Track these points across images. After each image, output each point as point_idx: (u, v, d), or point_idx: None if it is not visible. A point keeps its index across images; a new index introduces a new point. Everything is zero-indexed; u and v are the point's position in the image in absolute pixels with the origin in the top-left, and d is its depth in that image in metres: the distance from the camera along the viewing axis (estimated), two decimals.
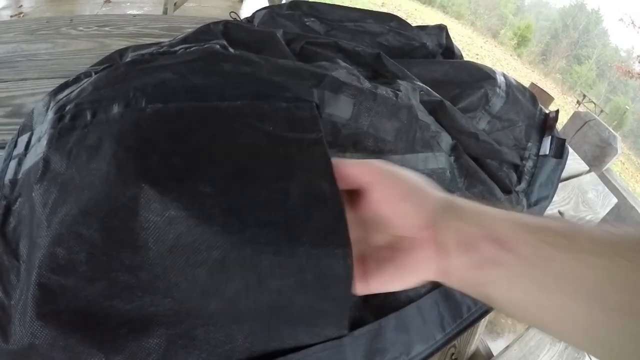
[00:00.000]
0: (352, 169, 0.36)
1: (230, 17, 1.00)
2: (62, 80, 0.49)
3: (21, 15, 3.25)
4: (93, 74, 0.47)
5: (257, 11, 0.93)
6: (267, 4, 3.60)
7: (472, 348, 1.12)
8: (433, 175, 0.55)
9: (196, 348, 0.33)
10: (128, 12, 3.54)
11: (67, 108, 0.39)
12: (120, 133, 0.35)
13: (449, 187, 0.56)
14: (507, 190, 0.69)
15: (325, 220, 0.35)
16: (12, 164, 0.40)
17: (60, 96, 0.43)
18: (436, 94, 0.63)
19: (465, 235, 0.32)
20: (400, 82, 0.58)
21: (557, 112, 0.89)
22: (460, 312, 0.49)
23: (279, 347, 0.35)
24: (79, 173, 0.34)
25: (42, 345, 0.30)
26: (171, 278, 0.32)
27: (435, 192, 0.36)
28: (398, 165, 0.37)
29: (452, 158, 0.60)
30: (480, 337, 1.15)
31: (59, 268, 0.31)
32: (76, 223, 0.31)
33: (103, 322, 0.31)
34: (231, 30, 0.63)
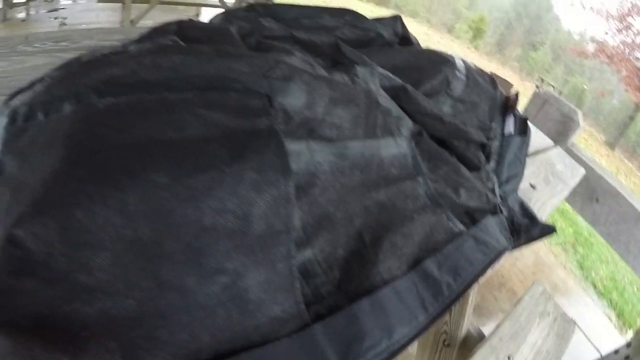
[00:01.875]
0: None
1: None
2: None
3: None
4: (46, 78, 0.47)
5: (215, 16, 0.92)
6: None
7: (463, 332, 1.12)
8: (394, 161, 0.55)
9: (160, 349, 0.32)
10: None
11: (19, 111, 0.38)
12: (72, 130, 0.35)
13: (412, 172, 0.56)
14: (475, 168, 0.69)
15: (276, 205, 0.37)
16: None
17: (13, 102, 0.42)
18: (398, 79, 0.63)
19: None
20: (358, 67, 0.57)
21: (517, 93, 0.91)
22: (440, 290, 0.48)
23: (246, 343, 0.35)
24: (31, 173, 0.33)
25: (2, 355, 0.28)
26: (131, 277, 0.31)
27: None
28: (359, 151, 0.39)
29: (414, 143, 0.60)
30: (471, 320, 1.15)
31: (15, 271, 0.30)
32: (32, 222, 0.30)
33: (64, 326, 0.30)
34: (185, 28, 0.62)
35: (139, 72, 0.41)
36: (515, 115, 0.86)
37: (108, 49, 0.58)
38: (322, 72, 0.50)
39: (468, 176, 0.63)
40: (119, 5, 2.96)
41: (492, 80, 0.91)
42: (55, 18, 3.69)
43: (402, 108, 0.61)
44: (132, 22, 2.80)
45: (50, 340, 0.29)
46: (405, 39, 0.93)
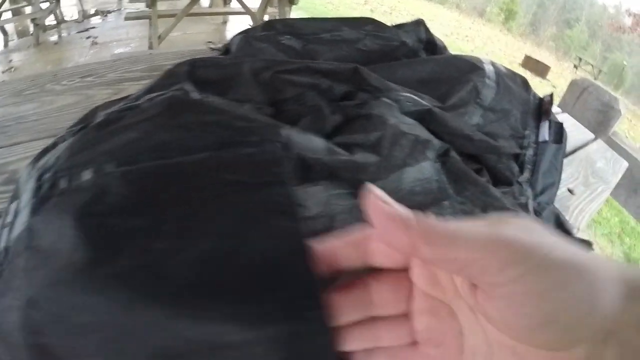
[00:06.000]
0: (459, 252, 0.21)
1: (208, 47, 0.99)
2: (50, 141, 0.50)
3: (12, 69, 3.30)
4: (68, 138, 0.48)
5: (234, 37, 0.92)
6: (250, 24, 3.63)
7: None
8: (416, 187, 0.52)
9: None
10: (116, 52, 3.58)
11: (45, 176, 0.39)
12: (84, 200, 0.35)
13: (437, 196, 0.53)
14: (508, 183, 0.66)
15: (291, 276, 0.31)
16: (5, 232, 0.41)
17: (39, 164, 0.43)
18: (424, 102, 0.60)
19: None
20: (374, 104, 0.55)
21: (551, 95, 0.86)
22: None
23: None
24: (52, 241, 0.34)
25: None
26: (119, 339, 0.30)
27: (608, 300, 0.21)
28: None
29: (439, 164, 0.57)
30: None
31: (32, 330, 0.31)
32: (47, 287, 0.32)
33: None
34: (198, 68, 0.60)
35: (153, 134, 0.41)
36: (550, 121, 0.82)
37: (122, 102, 0.58)
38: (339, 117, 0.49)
39: (497, 196, 0.60)
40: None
41: (525, 82, 0.87)
42: (87, 37, 3.79)
43: (429, 129, 0.58)
44: (160, 37, 2.84)
45: None
46: (431, 43, 0.90)
